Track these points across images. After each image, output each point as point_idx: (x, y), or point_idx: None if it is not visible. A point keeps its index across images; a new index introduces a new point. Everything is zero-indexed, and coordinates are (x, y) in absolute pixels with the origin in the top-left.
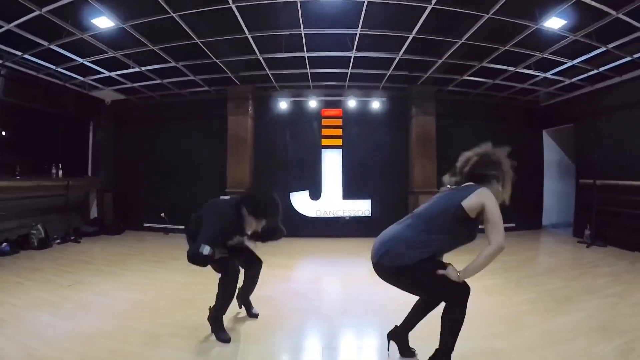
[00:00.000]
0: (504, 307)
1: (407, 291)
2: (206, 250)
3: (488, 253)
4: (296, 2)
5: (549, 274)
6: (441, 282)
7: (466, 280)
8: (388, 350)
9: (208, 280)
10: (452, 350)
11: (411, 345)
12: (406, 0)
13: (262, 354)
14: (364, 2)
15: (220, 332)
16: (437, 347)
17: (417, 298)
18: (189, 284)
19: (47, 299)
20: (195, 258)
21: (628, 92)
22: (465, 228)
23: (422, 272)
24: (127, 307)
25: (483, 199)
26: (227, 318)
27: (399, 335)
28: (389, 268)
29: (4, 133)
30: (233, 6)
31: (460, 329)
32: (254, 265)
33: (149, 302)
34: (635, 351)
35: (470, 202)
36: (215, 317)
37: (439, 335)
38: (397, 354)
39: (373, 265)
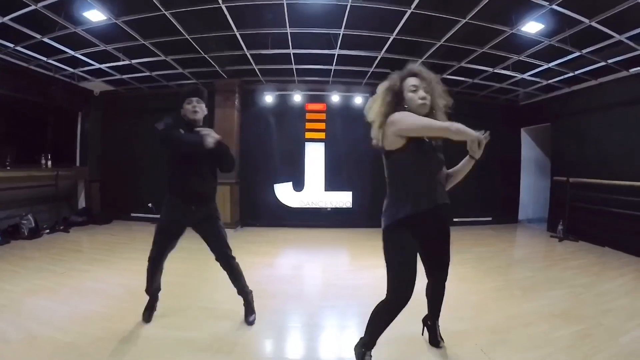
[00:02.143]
0: (472, 293)
1: None
2: (160, 125)
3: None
4: (282, 3)
5: (519, 265)
6: (391, 260)
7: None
8: (422, 334)
9: (198, 266)
10: (372, 342)
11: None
12: (387, 4)
13: (247, 331)
14: (347, 5)
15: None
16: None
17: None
18: (178, 270)
19: (44, 286)
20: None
21: (602, 95)
22: (400, 163)
23: (386, 241)
24: (121, 291)
25: (388, 122)
26: (212, 300)
27: (429, 323)
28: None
29: None
30: (223, 6)
31: (381, 326)
32: (219, 258)
33: (141, 287)
34: (591, 337)
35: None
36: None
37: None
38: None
39: None
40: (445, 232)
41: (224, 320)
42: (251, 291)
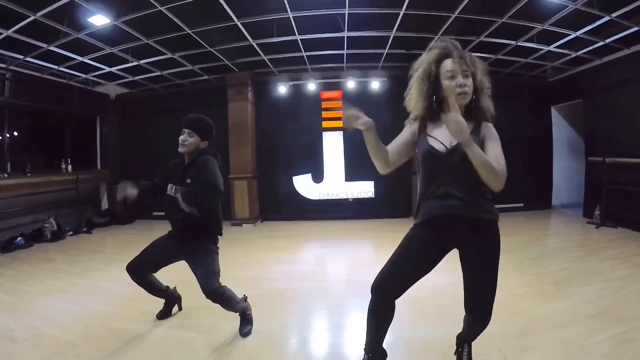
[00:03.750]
0: (499, 289)
1: None
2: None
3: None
4: None
5: (552, 256)
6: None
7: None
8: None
9: None
10: (371, 345)
11: None
12: None
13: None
14: None
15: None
16: None
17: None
18: (183, 267)
19: (57, 286)
20: None
21: (638, 65)
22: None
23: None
24: (130, 290)
25: None
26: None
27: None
28: None
29: (15, 134)
30: None
31: (371, 325)
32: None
33: None
34: (633, 342)
35: None
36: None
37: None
38: None
39: None
40: (478, 249)
41: (226, 321)
42: (246, 297)
